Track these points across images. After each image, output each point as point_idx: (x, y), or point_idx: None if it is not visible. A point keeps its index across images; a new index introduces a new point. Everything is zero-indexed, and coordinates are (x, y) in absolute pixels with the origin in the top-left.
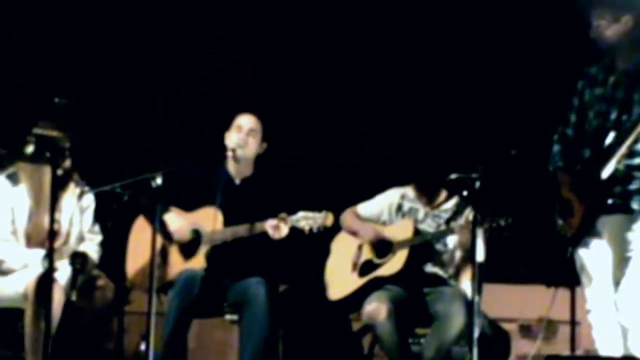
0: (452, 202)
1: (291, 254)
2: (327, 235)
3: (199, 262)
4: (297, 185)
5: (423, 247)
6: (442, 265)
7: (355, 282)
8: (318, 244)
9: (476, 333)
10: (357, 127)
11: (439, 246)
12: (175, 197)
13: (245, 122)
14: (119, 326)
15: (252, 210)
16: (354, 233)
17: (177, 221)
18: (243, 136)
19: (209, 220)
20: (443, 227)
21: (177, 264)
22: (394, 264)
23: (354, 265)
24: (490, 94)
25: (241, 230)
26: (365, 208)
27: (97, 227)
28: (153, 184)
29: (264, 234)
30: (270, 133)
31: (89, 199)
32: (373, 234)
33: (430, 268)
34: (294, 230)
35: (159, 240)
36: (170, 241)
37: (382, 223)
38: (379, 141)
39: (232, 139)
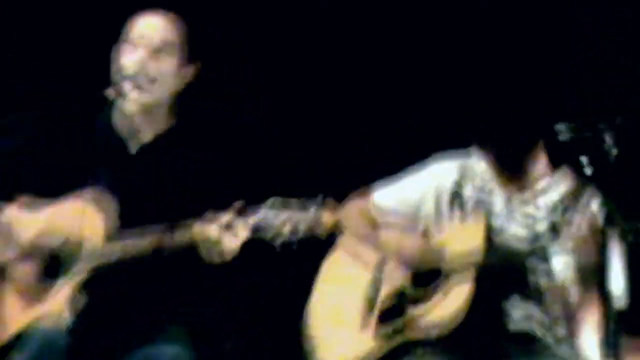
0: (561, 184)
1: (247, 285)
2: (316, 247)
3: (56, 306)
4: (258, 152)
5: (503, 273)
6: (540, 309)
7: (367, 343)
8: (299, 265)
9: None
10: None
11: (537, 279)
12: (16, 176)
13: (146, 30)
14: None
15: (165, 199)
16: (366, 245)
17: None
18: (140, 59)
19: (79, 220)
20: (543, 232)
21: (16, 312)
22: (444, 306)
23: (368, 308)
24: None
25: (142, 240)
26: (389, 196)
27: None
28: None
29: (191, 247)
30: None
31: None
32: (404, 246)
33: (517, 315)
34: (255, 241)
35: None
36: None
37: (422, 230)
38: (404, 64)
39: (121, 64)
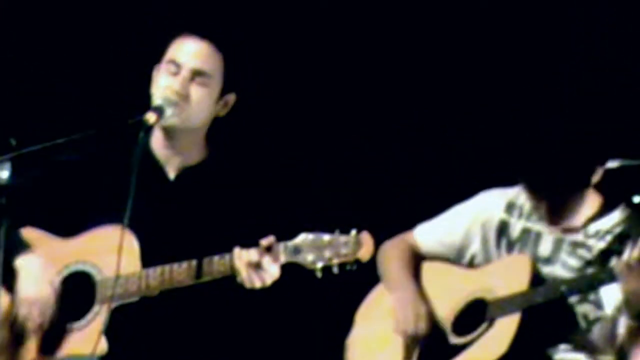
0: (614, 217)
1: (284, 321)
2: (358, 282)
3: (89, 343)
4: (295, 182)
5: (551, 313)
6: (590, 351)
7: None
8: (339, 303)
9: None
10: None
11: (584, 309)
12: (41, 207)
13: (189, 54)
14: None
15: (201, 231)
16: (408, 278)
17: (40, 274)
18: (182, 81)
19: (111, 253)
20: (593, 270)
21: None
22: (490, 346)
23: (407, 351)
24: None
25: (179, 272)
26: (431, 233)
27: None
28: None
29: (230, 279)
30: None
31: None
32: (449, 277)
33: (562, 353)
34: (292, 272)
35: (7, 301)
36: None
37: (468, 262)
38: (447, 96)
39: (160, 85)
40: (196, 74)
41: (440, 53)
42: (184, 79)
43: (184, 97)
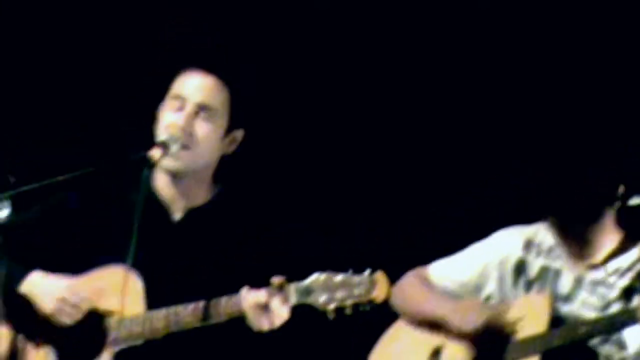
0: (634, 254)
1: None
2: (371, 324)
3: None
4: (305, 221)
5: (572, 355)
6: None
7: None
8: (351, 345)
9: None
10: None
11: (607, 350)
12: (42, 246)
13: (193, 88)
14: None
15: (208, 272)
16: (424, 324)
17: (51, 283)
18: (187, 117)
19: (114, 295)
20: (616, 310)
21: None
22: None
23: None
24: None
25: (185, 314)
26: (446, 271)
27: None
28: None
29: (238, 321)
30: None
31: None
32: (465, 325)
33: None
34: (303, 314)
35: (5, 340)
36: (34, 340)
37: (484, 301)
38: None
39: (164, 122)
40: (201, 109)
41: (461, 90)
42: (189, 115)
43: (189, 133)
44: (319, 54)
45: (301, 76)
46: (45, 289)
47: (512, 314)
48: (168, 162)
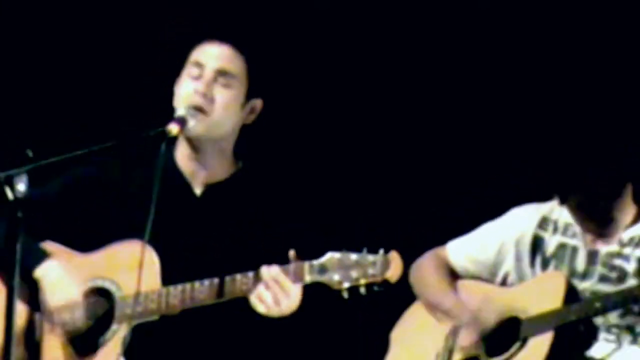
0: None
1: (307, 346)
2: (386, 304)
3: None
4: (322, 200)
5: (586, 330)
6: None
7: None
8: (367, 325)
9: None
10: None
11: (629, 321)
12: (59, 221)
13: (212, 55)
14: None
15: (224, 249)
16: (440, 304)
17: (65, 280)
18: (207, 83)
19: (131, 269)
20: (630, 285)
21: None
22: None
23: None
24: None
25: (200, 291)
26: (463, 250)
27: None
28: (9, 194)
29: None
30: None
31: None
32: (482, 305)
33: None
34: (316, 293)
35: (22, 316)
36: (50, 322)
37: (501, 280)
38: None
39: (183, 90)
40: (220, 74)
41: (476, 68)
42: (208, 81)
43: (209, 99)
44: (342, 34)
45: (320, 50)
46: (57, 283)
47: (528, 291)
48: (188, 130)
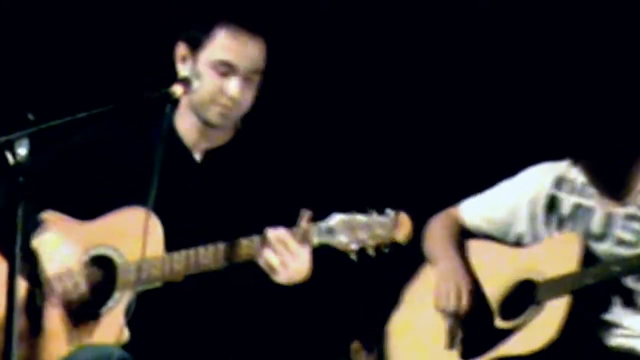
0: None
1: (317, 309)
2: (398, 265)
3: (111, 331)
4: (327, 161)
5: (603, 294)
6: None
7: None
8: (378, 286)
9: None
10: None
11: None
12: (60, 188)
13: (246, 57)
14: None
15: (227, 214)
16: (450, 257)
17: (63, 248)
18: (239, 85)
19: (134, 236)
20: None
21: (61, 337)
22: (538, 330)
23: (451, 335)
24: None
25: (204, 256)
26: (477, 209)
27: None
28: (10, 159)
29: (256, 265)
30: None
31: None
32: (495, 266)
33: (618, 339)
34: (325, 256)
35: (22, 287)
36: (50, 291)
37: (515, 240)
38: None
39: (210, 89)
40: (252, 73)
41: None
42: (241, 84)
43: (237, 102)
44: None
45: (318, 22)
46: (55, 252)
47: (543, 253)
48: (205, 117)
